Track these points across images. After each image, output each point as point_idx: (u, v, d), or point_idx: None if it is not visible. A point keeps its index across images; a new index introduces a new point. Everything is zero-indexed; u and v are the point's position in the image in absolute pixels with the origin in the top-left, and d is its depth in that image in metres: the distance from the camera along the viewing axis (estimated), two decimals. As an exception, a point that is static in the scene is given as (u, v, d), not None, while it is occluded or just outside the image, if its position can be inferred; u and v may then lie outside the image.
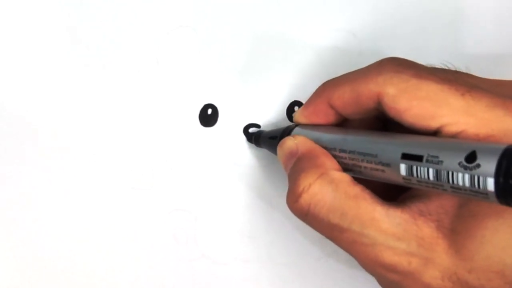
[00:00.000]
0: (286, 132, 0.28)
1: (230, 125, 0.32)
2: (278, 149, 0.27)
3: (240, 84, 0.32)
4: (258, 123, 0.32)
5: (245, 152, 0.32)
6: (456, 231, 0.21)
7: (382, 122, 0.27)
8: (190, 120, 0.32)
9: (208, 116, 0.32)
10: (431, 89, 0.21)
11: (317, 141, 0.25)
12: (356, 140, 0.24)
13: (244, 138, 0.32)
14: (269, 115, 0.32)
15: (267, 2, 0.32)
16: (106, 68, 0.32)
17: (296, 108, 0.32)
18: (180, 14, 0.32)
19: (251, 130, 0.32)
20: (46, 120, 0.32)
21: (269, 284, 0.32)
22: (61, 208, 0.31)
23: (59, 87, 0.32)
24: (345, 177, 0.23)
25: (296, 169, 0.25)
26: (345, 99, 0.24)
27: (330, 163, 0.24)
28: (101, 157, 0.32)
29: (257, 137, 0.31)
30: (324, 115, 0.26)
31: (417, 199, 0.22)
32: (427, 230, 0.21)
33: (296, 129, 0.27)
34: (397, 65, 0.23)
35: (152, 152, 0.32)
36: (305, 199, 0.23)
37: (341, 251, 0.31)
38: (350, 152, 0.23)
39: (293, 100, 0.32)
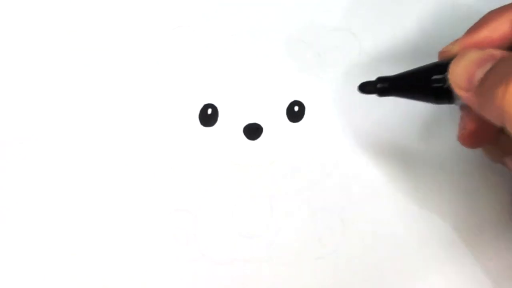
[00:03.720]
0: (438, 69, 0.23)
1: (230, 125, 0.32)
2: (458, 61, 0.22)
3: (240, 84, 0.32)
4: (258, 122, 0.32)
5: (245, 152, 0.32)
6: None
7: None
8: (190, 120, 0.32)
9: (208, 116, 0.32)
10: None
11: None
12: None
13: (244, 138, 0.32)
14: (269, 115, 0.32)
15: (267, 2, 0.32)
16: (105, 68, 0.32)
17: (296, 108, 0.32)
18: (180, 14, 0.32)
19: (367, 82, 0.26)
20: (46, 120, 0.32)
21: (269, 284, 0.31)
22: (61, 208, 0.31)
23: (59, 87, 0.32)
24: None
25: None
26: None
27: None
28: (101, 157, 0.32)
29: (383, 83, 0.25)
30: (503, 40, 0.22)
31: None
32: None
33: None
34: None
35: (152, 152, 0.32)
36: None
37: (341, 250, 0.32)
38: None
39: (293, 100, 0.32)
